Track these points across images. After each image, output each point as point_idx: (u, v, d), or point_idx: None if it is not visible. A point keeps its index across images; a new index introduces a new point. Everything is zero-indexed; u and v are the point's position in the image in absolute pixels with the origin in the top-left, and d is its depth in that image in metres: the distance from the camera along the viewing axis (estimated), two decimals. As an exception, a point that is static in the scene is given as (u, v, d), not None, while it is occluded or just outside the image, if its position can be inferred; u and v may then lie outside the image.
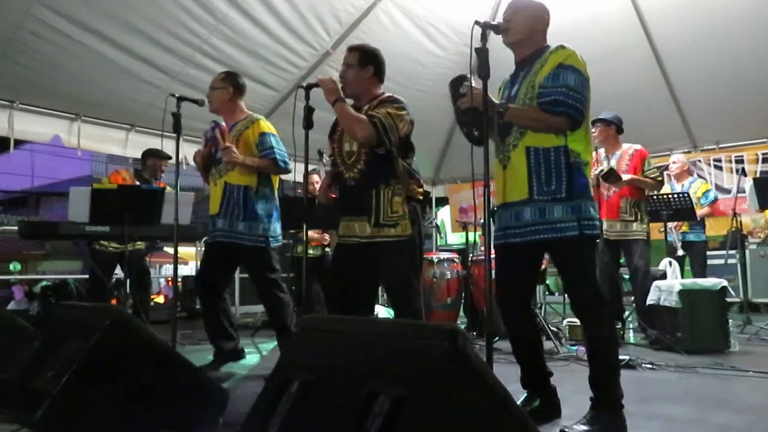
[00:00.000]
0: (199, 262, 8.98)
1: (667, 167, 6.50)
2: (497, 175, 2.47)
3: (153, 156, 5.20)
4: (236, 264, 3.92)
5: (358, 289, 2.86)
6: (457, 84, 2.42)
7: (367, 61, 2.89)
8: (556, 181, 2.31)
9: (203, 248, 8.54)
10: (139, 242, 5.03)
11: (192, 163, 5.82)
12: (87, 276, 5.68)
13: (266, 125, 3.57)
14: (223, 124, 3.56)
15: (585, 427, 2.20)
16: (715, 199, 5.87)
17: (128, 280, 4.74)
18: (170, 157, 5.11)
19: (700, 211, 5.68)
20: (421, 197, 2.88)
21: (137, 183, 5.10)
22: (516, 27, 2.43)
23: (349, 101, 2.88)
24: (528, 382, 2.54)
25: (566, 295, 2.47)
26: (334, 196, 2.99)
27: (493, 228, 2.65)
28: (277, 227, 3.62)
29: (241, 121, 3.58)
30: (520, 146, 2.38)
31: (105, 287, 4.96)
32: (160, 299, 9.83)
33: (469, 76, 2.33)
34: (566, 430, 2.20)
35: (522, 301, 2.55)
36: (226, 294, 3.65)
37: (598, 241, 4.65)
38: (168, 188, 5.08)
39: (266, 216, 3.53)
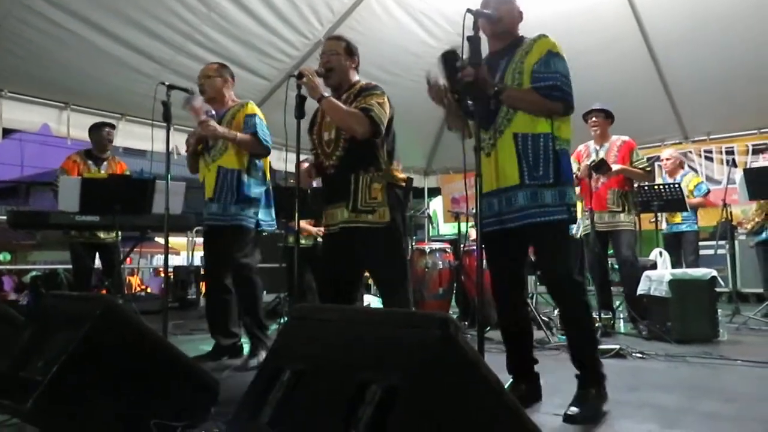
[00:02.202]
0: (190, 253, 9.00)
1: (658, 158, 6.54)
2: (483, 164, 2.44)
3: (95, 130, 5.08)
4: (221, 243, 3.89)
5: (345, 276, 2.87)
6: (450, 58, 2.42)
7: (352, 52, 2.96)
8: (544, 167, 2.37)
9: (194, 238, 8.52)
10: (112, 233, 5.05)
11: (183, 153, 5.81)
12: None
13: (254, 108, 3.62)
14: (199, 100, 3.56)
15: (577, 409, 2.28)
16: (707, 192, 5.94)
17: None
18: (113, 126, 5.13)
19: (692, 201, 5.77)
20: (403, 183, 2.89)
21: (89, 162, 5.02)
22: (504, 18, 2.48)
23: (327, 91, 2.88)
24: (514, 368, 2.57)
25: (544, 277, 2.51)
26: (310, 179, 3.02)
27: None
28: (267, 213, 3.66)
29: (232, 108, 3.64)
30: (507, 133, 2.41)
31: (89, 277, 4.96)
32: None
33: (460, 52, 2.37)
34: (567, 413, 2.27)
35: (515, 287, 2.59)
36: (232, 287, 3.63)
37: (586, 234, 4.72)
38: (127, 170, 5.18)
39: (258, 200, 3.58)
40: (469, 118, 2.50)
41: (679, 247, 5.97)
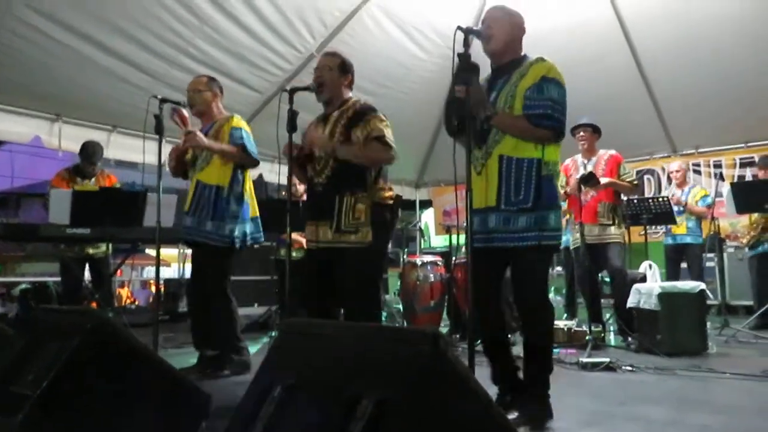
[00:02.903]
0: (181, 265, 8.96)
1: (648, 172, 6.61)
2: (473, 181, 2.47)
3: (85, 149, 5.11)
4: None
5: (327, 291, 2.91)
6: (467, 70, 2.39)
7: (346, 70, 2.99)
8: (525, 192, 2.39)
9: (185, 250, 8.48)
10: (102, 247, 5.04)
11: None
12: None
13: (239, 121, 3.63)
14: (184, 110, 3.59)
15: (515, 414, 2.34)
16: (712, 204, 5.94)
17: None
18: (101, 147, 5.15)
19: (695, 208, 5.89)
20: (390, 202, 2.93)
21: (77, 179, 5.05)
22: (496, 36, 2.50)
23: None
24: (498, 378, 2.58)
25: (514, 300, 2.55)
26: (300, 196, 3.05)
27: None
28: (246, 229, 3.61)
29: (218, 120, 3.65)
30: (494, 154, 2.44)
31: (79, 290, 4.94)
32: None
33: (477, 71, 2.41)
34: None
35: (492, 302, 2.58)
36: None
37: (562, 249, 4.74)
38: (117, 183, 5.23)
39: (235, 217, 3.54)
40: (454, 136, 2.52)
41: (680, 258, 6.01)
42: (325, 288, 2.91)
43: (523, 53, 2.56)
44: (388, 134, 2.84)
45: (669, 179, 6.33)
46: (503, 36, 2.51)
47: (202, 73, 5.34)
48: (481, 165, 2.48)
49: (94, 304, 5.15)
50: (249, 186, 3.70)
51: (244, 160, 3.56)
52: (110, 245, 5.17)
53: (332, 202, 2.82)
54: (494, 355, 2.59)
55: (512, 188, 2.40)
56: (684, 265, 6.13)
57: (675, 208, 5.81)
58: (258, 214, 3.75)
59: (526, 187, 2.38)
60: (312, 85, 2.95)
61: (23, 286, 6.33)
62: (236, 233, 3.53)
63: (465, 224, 2.35)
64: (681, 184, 6.11)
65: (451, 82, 2.48)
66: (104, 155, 5.42)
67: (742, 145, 7.02)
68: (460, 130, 2.44)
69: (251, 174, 3.81)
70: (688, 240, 5.93)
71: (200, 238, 3.52)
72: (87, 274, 5.18)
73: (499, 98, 2.48)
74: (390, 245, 3.01)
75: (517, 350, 2.64)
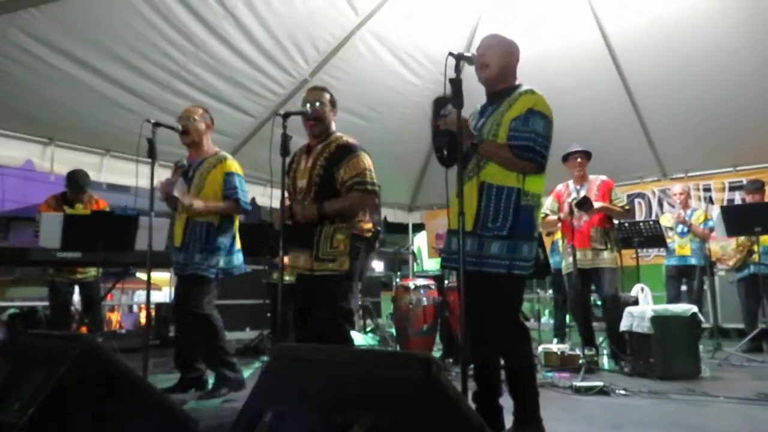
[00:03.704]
0: (172, 289, 8.88)
1: (639, 195, 6.66)
2: (451, 202, 2.51)
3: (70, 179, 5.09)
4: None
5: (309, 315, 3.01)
6: (440, 104, 2.49)
7: (335, 103, 3.13)
8: (502, 220, 2.43)
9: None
10: (92, 271, 5.00)
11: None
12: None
13: (233, 165, 3.70)
14: (185, 162, 3.67)
15: None
16: (713, 228, 5.94)
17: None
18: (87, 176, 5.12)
19: (698, 230, 5.98)
20: (369, 234, 3.01)
21: (64, 207, 5.04)
22: (490, 64, 2.56)
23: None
24: (480, 399, 2.55)
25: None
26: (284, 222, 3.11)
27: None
28: (233, 259, 3.72)
29: (209, 158, 3.70)
30: (475, 180, 2.48)
31: (66, 315, 4.90)
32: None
33: (449, 100, 2.43)
34: None
35: (479, 323, 2.56)
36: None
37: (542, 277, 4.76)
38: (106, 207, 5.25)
39: (223, 249, 3.64)
40: (444, 166, 2.55)
41: (681, 279, 6.04)
42: (307, 312, 3.02)
43: (517, 82, 2.61)
44: (369, 176, 2.97)
45: (660, 202, 6.40)
46: (497, 64, 2.56)
47: (195, 98, 5.40)
48: (461, 187, 2.49)
49: (83, 329, 5.10)
50: (236, 219, 3.80)
51: (234, 213, 3.68)
52: (99, 269, 5.13)
53: (312, 232, 2.94)
54: (483, 379, 2.57)
55: (490, 215, 2.45)
56: (684, 287, 6.15)
57: (679, 228, 5.89)
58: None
59: (504, 214, 2.43)
60: (306, 111, 3.00)
61: (11, 310, 6.25)
62: (221, 264, 3.62)
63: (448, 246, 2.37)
64: (685, 207, 6.19)
65: (432, 117, 2.54)
66: (97, 179, 5.42)
67: (731, 169, 7.09)
68: (451, 159, 2.48)
69: None
70: (693, 261, 5.98)
71: (189, 271, 3.59)
72: (75, 298, 5.13)
73: (486, 125, 2.53)
74: (374, 270, 3.14)
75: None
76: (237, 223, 3.79)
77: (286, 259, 4.62)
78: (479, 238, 2.45)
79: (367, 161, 3.00)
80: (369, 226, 3.05)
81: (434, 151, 2.60)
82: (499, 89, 2.58)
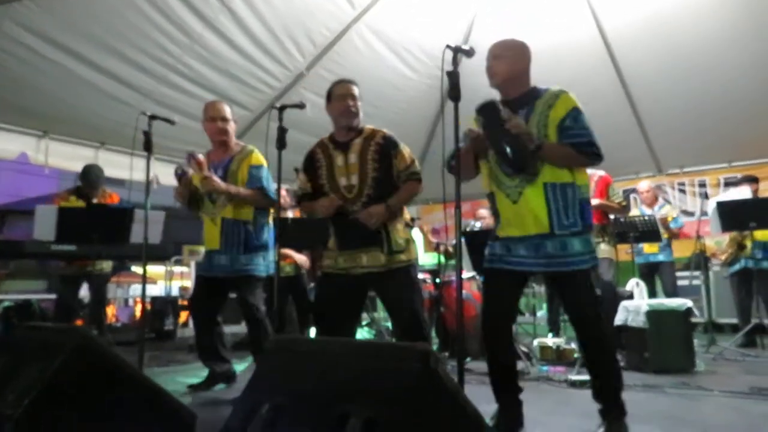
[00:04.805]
0: (168, 282, 8.87)
1: (633, 190, 6.66)
2: (505, 209, 2.56)
3: (86, 176, 5.03)
4: (230, 291, 3.79)
5: (351, 317, 3.02)
6: (487, 109, 2.45)
7: (360, 96, 3.01)
8: (573, 216, 2.48)
9: (172, 268, 8.38)
10: (105, 265, 4.97)
11: (163, 182, 5.78)
12: (51, 296, 5.55)
13: (259, 158, 3.56)
14: (200, 155, 3.48)
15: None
16: (683, 225, 6.03)
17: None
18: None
19: (673, 230, 5.95)
20: (411, 220, 3.05)
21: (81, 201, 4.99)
22: (497, 71, 2.58)
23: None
24: (500, 397, 2.57)
25: (573, 320, 2.57)
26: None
27: (480, 252, 2.73)
28: (268, 257, 3.64)
29: (236, 155, 3.56)
30: (538, 182, 2.49)
31: (72, 308, 4.87)
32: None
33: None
34: None
35: (509, 324, 2.64)
36: (219, 317, 3.68)
37: None
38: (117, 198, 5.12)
39: (265, 246, 3.58)
40: (513, 168, 2.54)
41: (653, 276, 6.05)
42: (351, 312, 3.00)
43: (533, 85, 2.62)
44: (417, 164, 3.05)
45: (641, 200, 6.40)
46: (505, 70, 2.58)
47: (191, 91, 5.38)
48: (518, 194, 2.52)
49: (79, 322, 5.08)
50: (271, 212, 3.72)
51: (260, 204, 3.52)
52: (111, 263, 5.08)
53: (377, 228, 2.86)
54: (501, 376, 2.58)
55: (561, 212, 2.47)
56: (658, 284, 6.18)
57: None
58: None
59: (573, 210, 2.48)
60: (302, 103, 2.98)
61: (6, 303, 6.24)
62: (262, 263, 3.56)
63: (456, 243, 2.36)
64: (651, 204, 6.17)
65: (486, 123, 2.47)
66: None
67: (726, 164, 7.12)
68: (518, 160, 2.46)
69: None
70: (661, 258, 5.99)
71: (236, 274, 3.48)
72: (83, 293, 5.11)
73: (530, 128, 2.51)
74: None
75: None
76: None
77: (286, 251, 4.59)
78: (559, 238, 2.47)
79: (408, 149, 3.05)
80: (408, 213, 3.11)
81: (499, 155, 2.52)
82: (520, 94, 2.58)
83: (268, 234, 3.63)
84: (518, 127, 2.41)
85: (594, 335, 2.55)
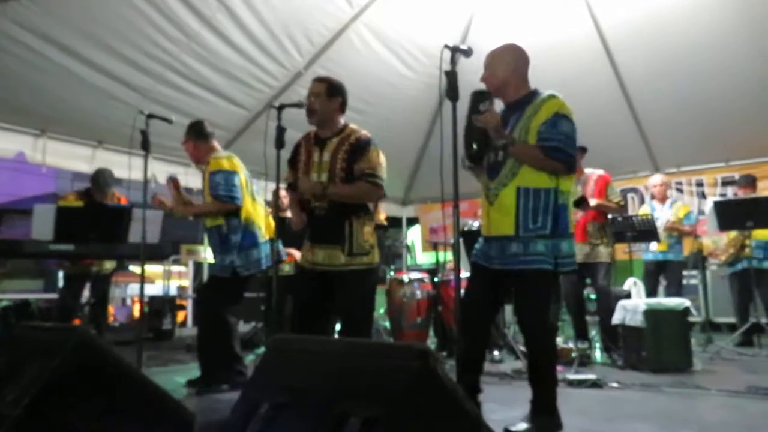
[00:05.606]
0: (166, 282, 8.87)
1: (631, 190, 6.65)
2: (483, 209, 2.66)
3: (96, 180, 5.02)
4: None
5: (323, 310, 3.02)
6: (478, 97, 2.53)
7: (334, 93, 3.00)
8: (542, 220, 2.49)
9: (170, 267, 8.38)
10: (109, 265, 4.97)
11: (160, 181, 5.77)
12: (49, 295, 5.54)
13: (216, 163, 3.66)
14: (178, 179, 3.91)
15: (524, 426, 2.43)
16: (698, 220, 5.90)
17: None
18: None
19: (685, 228, 5.83)
20: (385, 223, 3.04)
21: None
22: (493, 75, 2.62)
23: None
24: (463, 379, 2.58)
25: (519, 321, 2.62)
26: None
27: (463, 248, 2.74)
28: (253, 254, 3.69)
29: (206, 167, 3.75)
30: (511, 185, 2.52)
31: (73, 307, 4.87)
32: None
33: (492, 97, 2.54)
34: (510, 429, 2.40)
35: (486, 321, 2.69)
36: (231, 318, 3.73)
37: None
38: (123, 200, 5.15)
39: (234, 247, 3.64)
40: (471, 161, 2.61)
41: (659, 275, 6.00)
42: (323, 307, 3.00)
43: (533, 88, 2.65)
44: (381, 171, 2.93)
45: (652, 197, 6.33)
46: (500, 74, 2.61)
47: (188, 90, 5.36)
48: (495, 195, 2.57)
49: (77, 321, 5.07)
50: (250, 213, 3.73)
51: (221, 211, 3.64)
52: (115, 263, 5.08)
53: (339, 227, 2.88)
54: (465, 372, 2.57)
55: (530, 216, 2.49)
56: (663, 282, 6.14)
57: (658, 222, 5.83)
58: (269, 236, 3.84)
59: (544, 214, 2.49)
60: (301, 102, 2.97)
61: (4, 303, 6.23)
62: (236, 263, 3.62)
63: (454, 242, 2.37)
64: (662, 199, 6.07)
65: (468, 110, 2.54)
66: (88, 171, 5.36)
67: (723, 163, 7.13)
68: (480, 156, 2.56)
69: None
70: (670, 257, 5.89)
71: (215, 273, 3.79)
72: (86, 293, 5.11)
73: (514, 133, 2.55)
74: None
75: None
76: (255, 217, 3.76)
77: (288, 250, 4.67)
78: (523, 240, 2.49)
79: (382, 157, 2.98)
80: (384, 215, 3.10)
81: (464, 145, 2.59)
82: (518, 98, 2.62)
83: (238, 237, 3.67)
84: (484, 121, 2.45)
85: (534, 343, 2.58)
